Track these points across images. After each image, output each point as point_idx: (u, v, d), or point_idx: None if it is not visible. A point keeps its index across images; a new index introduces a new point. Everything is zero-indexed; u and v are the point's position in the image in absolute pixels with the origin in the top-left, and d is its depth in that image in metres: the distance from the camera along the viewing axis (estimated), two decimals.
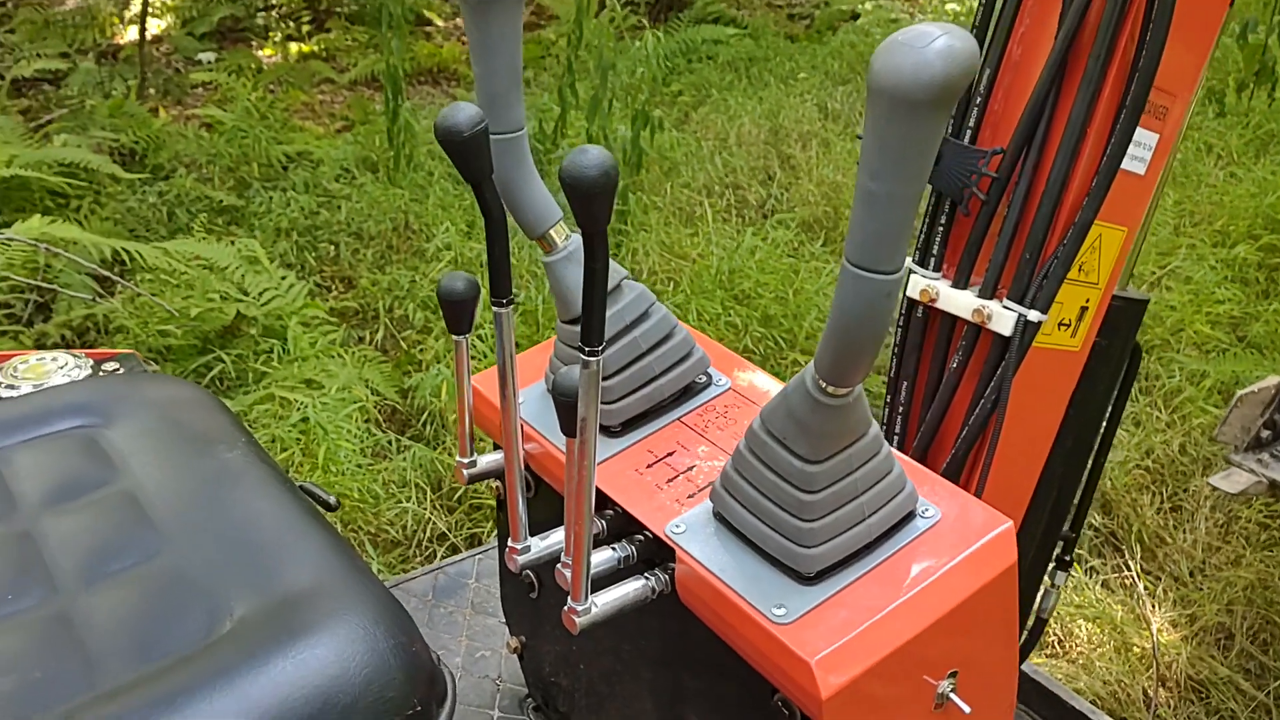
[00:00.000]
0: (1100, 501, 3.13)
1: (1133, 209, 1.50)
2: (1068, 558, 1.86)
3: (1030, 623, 1.90)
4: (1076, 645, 2.75)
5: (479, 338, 3.49)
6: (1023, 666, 2.12)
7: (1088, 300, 1.52)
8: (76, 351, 1.54)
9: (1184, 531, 3.04)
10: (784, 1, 8.42)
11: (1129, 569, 2.94)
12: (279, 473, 1.19)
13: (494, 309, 1.12)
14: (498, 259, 1.09)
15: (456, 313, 1.17)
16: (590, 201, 0.89)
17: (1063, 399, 1.60)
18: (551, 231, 1.29)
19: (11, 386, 1.45)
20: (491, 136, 1.22)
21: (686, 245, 4.21)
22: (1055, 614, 2.76)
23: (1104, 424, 1.75)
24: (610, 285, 1.32)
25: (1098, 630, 2.75)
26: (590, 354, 0.96)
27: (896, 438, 1.66)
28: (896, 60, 0.84)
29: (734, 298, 3.86)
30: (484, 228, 1.09)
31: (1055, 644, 2.75)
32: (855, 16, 7.61)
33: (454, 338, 1.21)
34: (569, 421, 1.00)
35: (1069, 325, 1.53)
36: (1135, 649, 2.70)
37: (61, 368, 1.48)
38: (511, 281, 1.13)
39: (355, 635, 0.93)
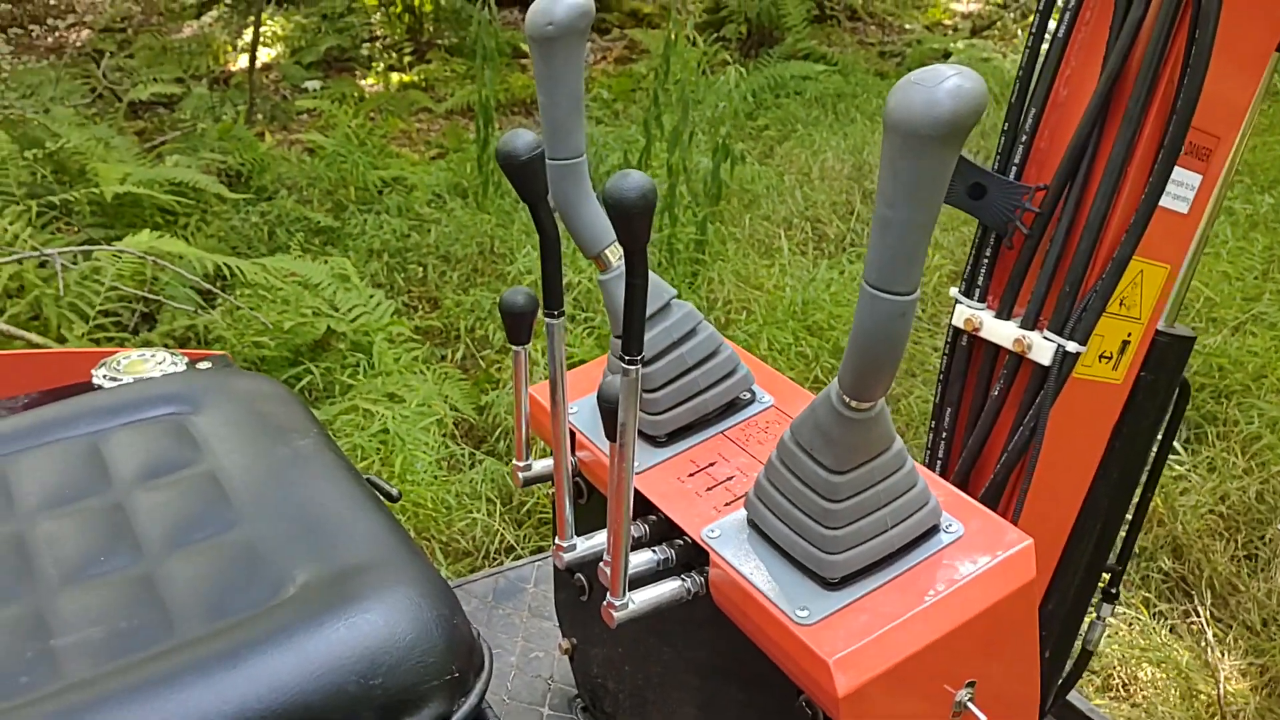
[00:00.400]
0: (1171, 545, 3.09)
1: (1175, 247, 1.53)
2: (1114, 590, 1.88)
3: (1076, 653, 1.92)
4: (1140, 689, 2.72)
5: (541, 352, 3.61)
6: (1081, 706, 2.13)
7: (1129, 334, 1.56)
8: (174, 350, 1.69)
9: (1258, 580, 2.99)
10: (876, 39, 8.47)
11: (1198, 615, 2.90)
12: (345, 461, 1.30)
13: (545, 320, 1.21)
14: (550, 274, 1.19)
15: (516, 324, 1.26)
16: (630, 221, 0.97)
17: (1104, 430, 1.63)
18: (606, 251, 1.38)
19: (114, 378, 1.60)
20: (553, 162, 1.32)
21: (762, 276, 4.27)
22: (1120, 657, 2.74)
23: (1151, 459, 1.77)
24: (659, 304, 1.40)
25: (1163, 675, 2.72)
26: (630, 363, 1.05)
27: (940, 462, 1.71)
28: (909, 98, 0.91)
29: (806, 328, 3.91)
30: (538, 245, 1.18)
31: (1119, 687, 2.73)
32: (947, 55, 7.62)
33: (513, 348, 1.31)
34: (610, 426, 1.09)
35: (1110, 358, 1.56)
36: (1201, 696, 2.66)
37: (159, 363, 1.63)
38: (563, 295, 1.22)
39: (403, 605, 1.03)
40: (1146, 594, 2.95)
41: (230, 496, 1.21)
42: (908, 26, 8.71)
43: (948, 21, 9.03)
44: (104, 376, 1.61)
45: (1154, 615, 2.87)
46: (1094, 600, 1.88)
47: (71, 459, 1.29)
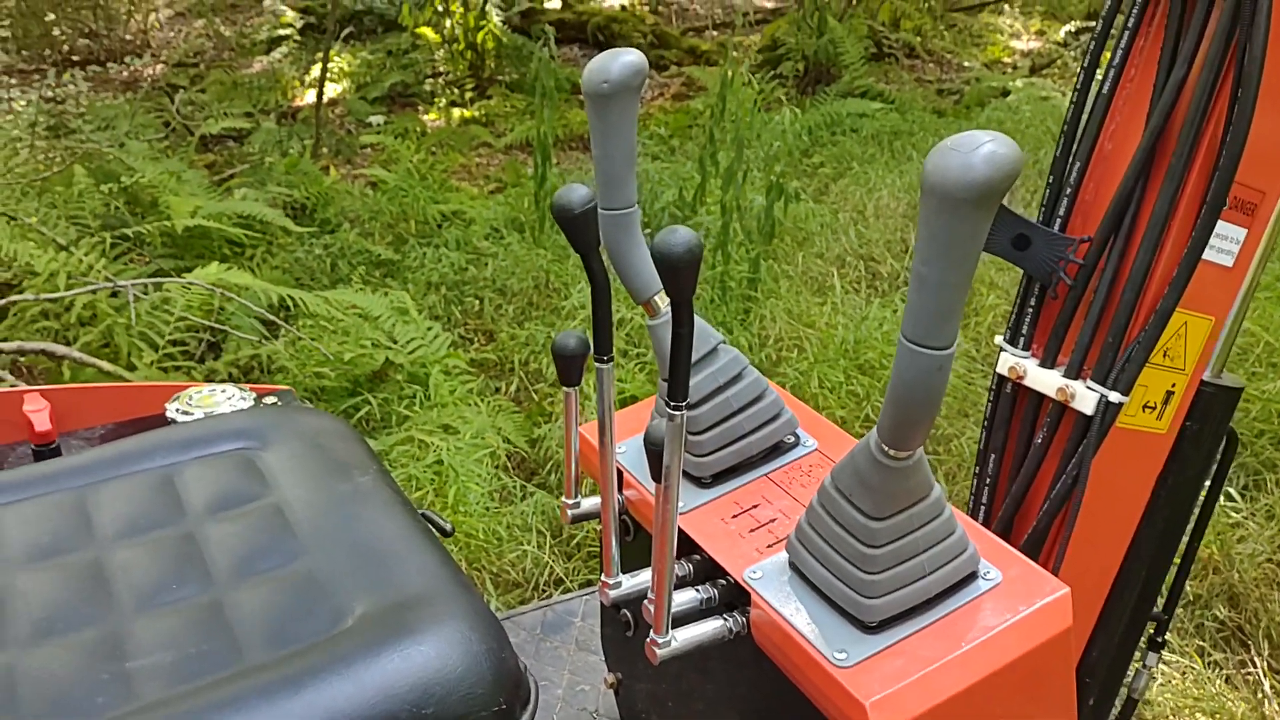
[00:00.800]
0: (1227, 593, 3.05)
1: (1220, 299, 1.55)
2: (1160, 639, 1.88)
3: (1122, 702, 1.92)
4: None
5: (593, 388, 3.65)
6: None
7: (1173, 385, 1.57)
8: (242, 386, 1.77)
9: None
10: (934, 77, 8.49)
11: (1255, 665, 2.85)
12: (403, 498, 1.36)
13: (595, 365, 1.26)
14: (600, 320, 1.24)
15: (567, 366, 1.31)
16: (677, 274, 1.02)
17: (1148, 480, 1.64)
18: (655, 298, 1.43)
19: (186, 413, 1.69)
20: (606, 212, 1.38)
21: (814, 314, 4.30)
22: (1173, 706, 2.71)
23: (1198, 509, 1.78)
24: (706, 349, 1.45)
25: None
26: (675, 408, 1.09)
27: (983, 508, 1.73)
28: (945, 163, 0.95)
29: (858, 367, 3.92)
30: (589, 293, 1.24)
31: None
32: (1006, 93, 7.61)
33: (564, 389, 1.36)
34: (656, 468, 1.13)
35: (1154, 408, 1.58)
36: None
37: (229, 399, 1.71)
38: (613, 341, 1.27)
39: (455, 639, 1.08)
40: (1201, 642, 2.91)
41: (294, 529, 1.27)
42: (966, 64, 8.72)
43: (1007, 60, 9.02)
44: (176, 411, 1.70)
45: (1208, 664, 2.83)
46: (1140, 648, 1.88)
47: (147, 490, 1.36)
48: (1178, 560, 1.82)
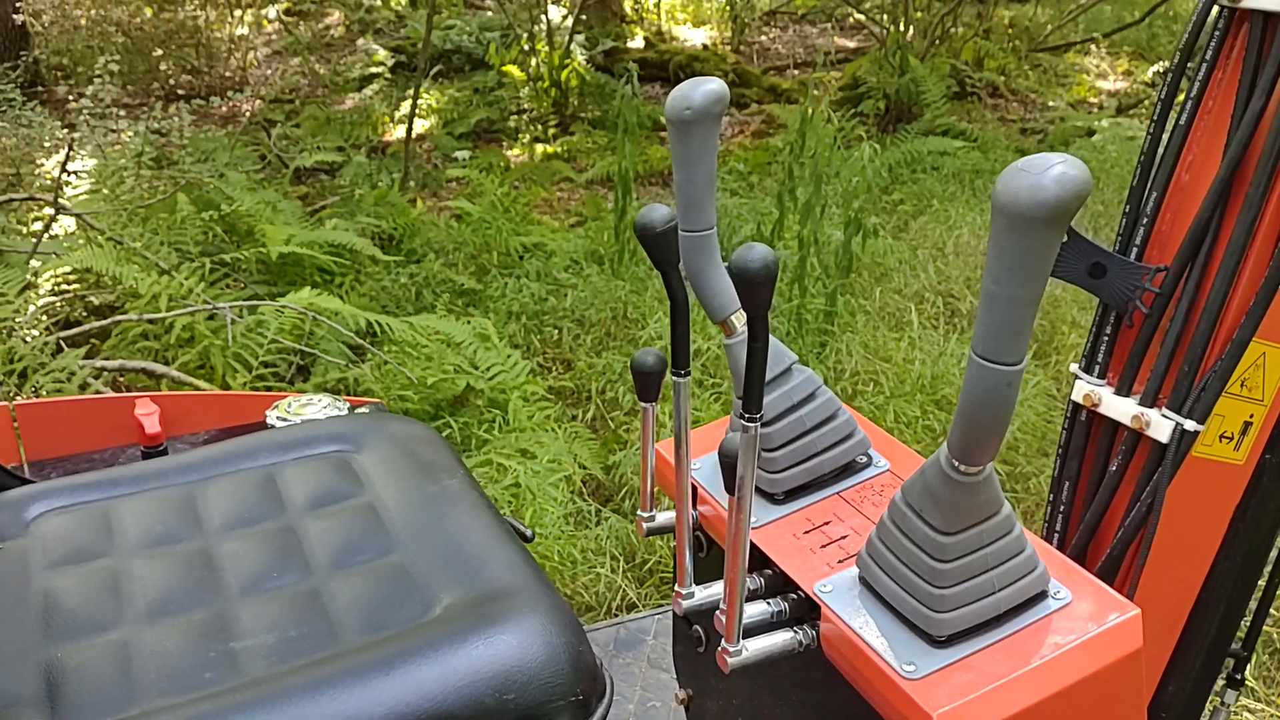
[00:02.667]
0: None
1: None
2: (1239, 676, 1.85)
3: None
4: None
5: (669, 412, 3.70)
6: None
7: (1251, 415, 1.57)
8: (337, 395, 1.86)
9: None
10: (1017, 116, 8.44)
11: None
12: (487, 501, 1.43)
13: (673, 379, 1.31)
14: (679, 336, 1.29)
15: (645, 382, 1.36)
16: (753, 289, 1.07)
17: (1225, 511, 1.63)
18: (732, 318, 1.47)
19: (285, 419, 1.78)
20: (686, 233, 1.43)
21: (891, 348, 4.30)
22: None
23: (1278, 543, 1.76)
24: (781, 368, 1.49)
25: None
26: (749, 420, 1.13)
27: (1057, 535, 1.73)
28: (1016, 183, 0.98)
29: (934, 402, 3.91)
30: (669, 310, 1.29)
31: None
32: (1091, 133, 7.54)
33: (642, 405, 1.41)
34: (730, 480, 1.17)
35: (1231, 438, 1.58)
36: None
37: (324, 407, 1.80)
38: (690, 356, 1.32)
39: (536, 630, 1.14)
40: None
41: (387, 526, 1.35)
42: (1051, 104, 8.65)
43: (1093, 99, 8.93)
44: (276, 417, 1.80)
45: None
46: (1219, 686, 1.86)
47: (251, 487, 1.45)
48: (1259, 595, 1.80)
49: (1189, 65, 1.56)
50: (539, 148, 7.54)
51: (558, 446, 3.58)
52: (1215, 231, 1.50)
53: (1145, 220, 1.59)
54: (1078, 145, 7.19)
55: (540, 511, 3.24)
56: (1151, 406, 1.55)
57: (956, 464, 1.17)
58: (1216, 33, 1.52)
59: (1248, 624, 1.83)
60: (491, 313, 4.73)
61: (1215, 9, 1.51)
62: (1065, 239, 1.57)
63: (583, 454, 3.64)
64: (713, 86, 1.38)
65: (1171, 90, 1.58)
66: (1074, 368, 1.68)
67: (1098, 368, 1.64)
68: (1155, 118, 1.58)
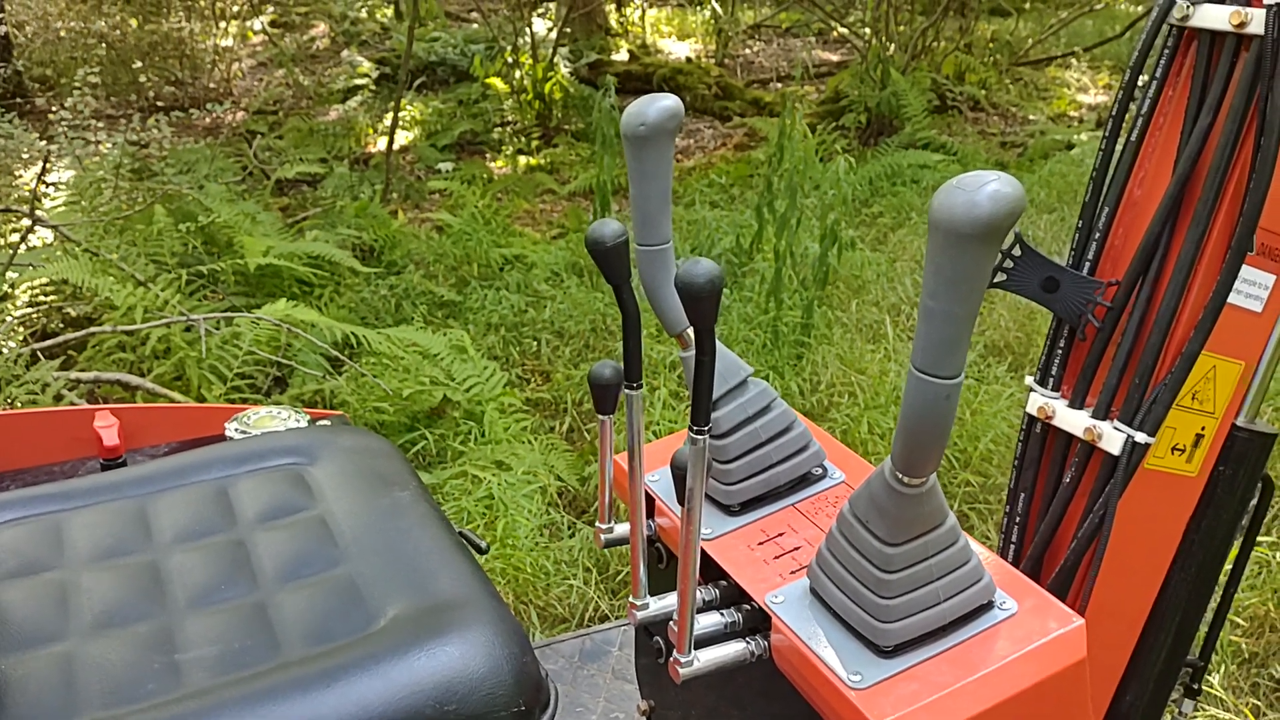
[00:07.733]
0: None
1: (1249, 344, 1.56)
2: (1195, 685, 1.86)
3: None
4: None
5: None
6: None
7: (1203, 428, 1.59)
8: (297, 407, 1.87)
9: None
10: (998, 130, 8.49)
11: None
12: (439, 513, 1.44)
13: (625, 391, 1.32)
14: (631, 349, 1.30)
15: (602, 395, 1.36)
16: (698, 303, 1.08)
17: (1178, 523, 1.65)
18: (688, 330, 1.49)
19: (243, 431, 1.79)
20: (642, 248, 1.45)
21: (867, 360, 4.32)
22: None
23: (1234, 554, 1.77)
24: (736, 380, 1.50)
25: None
26: (697, 433, 1.14)
27: (1013, 547, 1.75)
28: (952, 200, 1.00)
29: None
30: (620, 323, 1.30)
31: None
32: (1070, 146, 7.59)
33: (599, 417, 1.42)
34: (681, 490, 1.18)
35: (1183, 450, 1.59)
36: None
37: (284, 420, 1.81)
38: (642, 369, 1.33)
39: (479, 642, 1.14)
40: (1255, 701, 2.86)
41: (336, 538, 1.35)
42: (1031, 118, 8.71)
43: (1073, 113, 9.00)
44: (235, 430, 1.80)
45: None
46: (1176, 695, 1.87)
47: (203, 500, 1.46)
48: (1214, 606, 1.82)
49: (1139, 82, 1.59)
50: (522, 160, 7.56)
51: (533, 458, 3.59)
52: (1166, 246, 1.52)
53: (1098, 235, 1.61)
54: (1056, 159, 7.24)
55: (513, 523, 3.24)
56: (1104, 419, 1.57)
57: (900, 476, 1.18)
58: (1166, 50, 1.54)
59: (1204, 634, 1.85)
60: (471, 324, 4.74)
61: (1165, 27, 1.53)
62: (1019, 253, 1.59)
63: (558, 465, 3.64)
64: (668, 103, 1.39)
65: (1122, 107, 1.60)
66: (1029, 380, 1.70)
67: (1052, 380, 1.66)
68: (1107, 134, 1.60)
